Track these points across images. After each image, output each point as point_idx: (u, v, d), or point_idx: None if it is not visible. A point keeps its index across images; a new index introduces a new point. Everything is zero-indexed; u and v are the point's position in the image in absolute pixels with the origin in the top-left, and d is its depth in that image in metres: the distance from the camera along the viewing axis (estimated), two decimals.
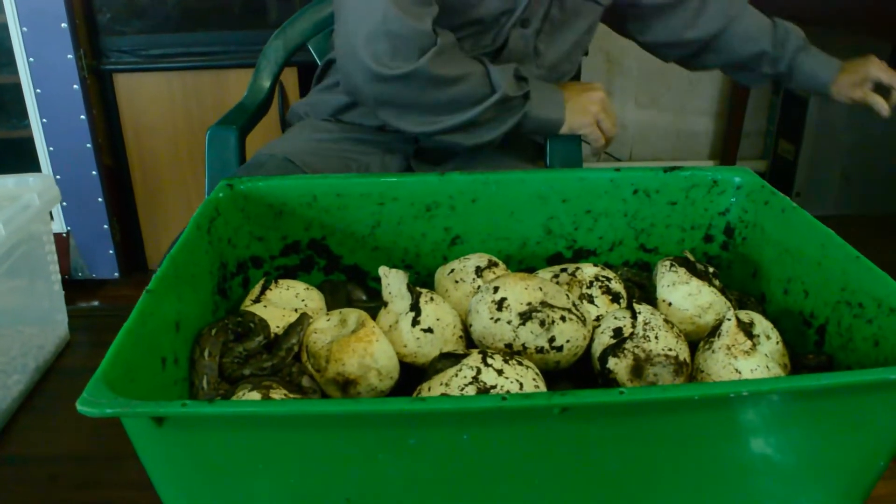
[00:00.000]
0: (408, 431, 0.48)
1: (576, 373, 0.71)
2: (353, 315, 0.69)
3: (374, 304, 0.78)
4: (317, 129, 1.32)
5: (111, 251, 2.40)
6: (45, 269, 0.83)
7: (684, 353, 0.67)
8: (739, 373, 0.64)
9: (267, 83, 1.58)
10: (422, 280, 0.86)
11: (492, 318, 0.67)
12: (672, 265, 0.76)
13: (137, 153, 2.41)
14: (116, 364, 0.52)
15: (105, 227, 2.36)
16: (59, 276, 0.86)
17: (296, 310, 0.75)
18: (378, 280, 0.84)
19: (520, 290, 0.68)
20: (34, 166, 2.25)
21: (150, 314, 0.59)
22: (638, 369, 0.66)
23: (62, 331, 0.88)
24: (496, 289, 0.68)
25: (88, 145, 2.25)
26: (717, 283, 0.77)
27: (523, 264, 0.86)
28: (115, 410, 0.46)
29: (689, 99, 3.06)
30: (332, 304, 0.80)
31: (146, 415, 0.47)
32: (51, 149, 2.24)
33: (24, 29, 2.12)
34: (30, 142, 2.25)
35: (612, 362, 0.67)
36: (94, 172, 2.29)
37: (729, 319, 0.67)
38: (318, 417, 0.47)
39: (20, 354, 0.79)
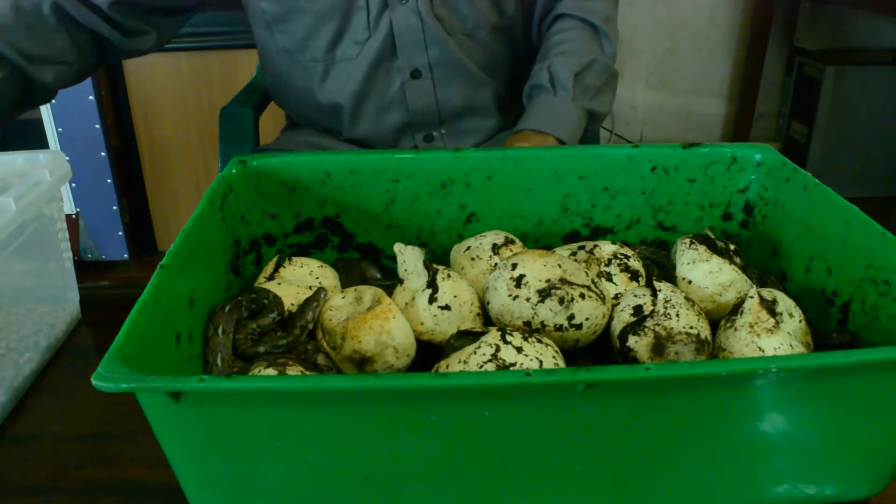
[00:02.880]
0: (429, 408, 0.47)
1: (595, 351, 0.70)
2: (369, 292, 0.68)
3: (389, 282, 0.77)
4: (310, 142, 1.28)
5: (120, 232, 2.40)
6: (56, 247, 0.82)
7: (706, 332, 0.66)
8: (762, 351, 0.63)
9: None
10: (437, 258, 0.85)
11: (510, 296, 0.66)
12: (692, 243, 0.75)
13: (146, 134, 2.40)
14: (131, 339, 0.51)
15: (114, 208, 2.36)
16: (70, 255, 0.85)
17: (310, 287, 0.74)
18: (392, 258, 0.84)
19: (538, 268, 0.66)
20: (43, 147, 2.24)
21: (164, 290, 0.58)
22: (659, 347, 0.65)
23: (74, 309, 0.87)
24: (514, 266, 0.67)
25: (97, 126, 2.25)
26: (738, 260, 0.76)
27: (539, 242, 0.85)
28: (130, 385, 0.45)
29: (700, 80, 3.03)
30: (346, 282, 0.79)
31: (163, 390, 0.46)
32: (59, 130, 2.23)
33: None
34: (38, 123, 2.24)
35: (632, 340, 0.66)
36: (102, 153, 2.28)
37: (752, 297, 0.66)
38: (338, 393, 0.46)
39: (32, 333, 0.78)
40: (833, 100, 2.73)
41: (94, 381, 0.46)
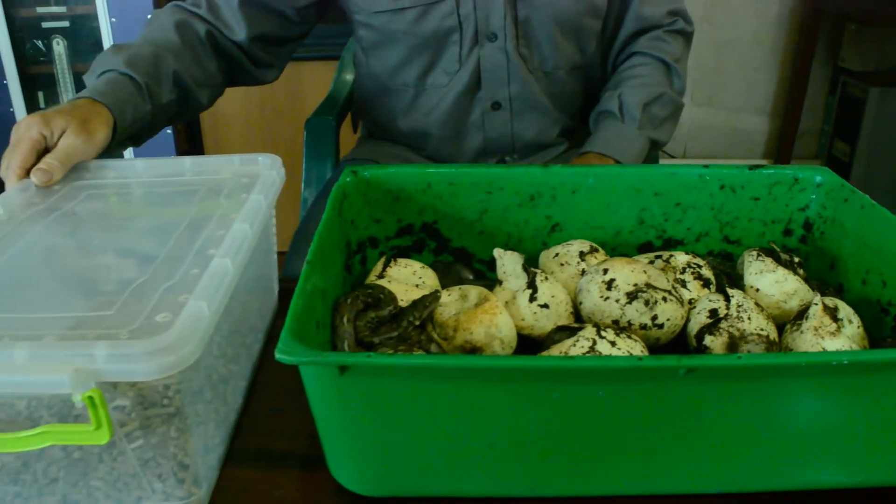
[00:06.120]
0: (553, 386, 0.56)
1: (671, 349, 0.78)
2: (474, 291, 0.78)
3: (480, 282, 0.87)
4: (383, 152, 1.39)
5: None
6: (271, 241, 0.91)
7: (774, 334, 0.75)
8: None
9: (350, 76, 1.66)
10: None
11: (601, 297, 0.75)
12: (759, 255, 0.84)
13: (213, 140, 2.53)
14: (294, 322, 0.60)
15: None
16: (276, 248, 0.93)
17: (416, 286, 0.84)
18: (483, 262, 0.93)
19: (627, 273, 0.75)
20: None
21: (308, 282, 0.68)
22: (733, 346, 0.73)
23: (275, 299, 0.96)
24: (606, 270, 0.76)
25: (168, 131, 2.37)
26: (800, 272, 0.84)
27: (616, 251, 0.94)
28: (309, 359, 0.55)
29: (745, 98, 3.10)
30: (444, 282, 0.88)
31: (335, 364, 0.56)
32: None
33: (113, 20, 2.24)
34: None
35: (708, 339, 0.74)
36: (172, 155, 2.41)
37: (816, 304, 0.74)
38: (482, 370, 0.56)
39: (261, 319, 0.87)
40: (876, 120, 2.78)
41: (277, 356, 0.55)
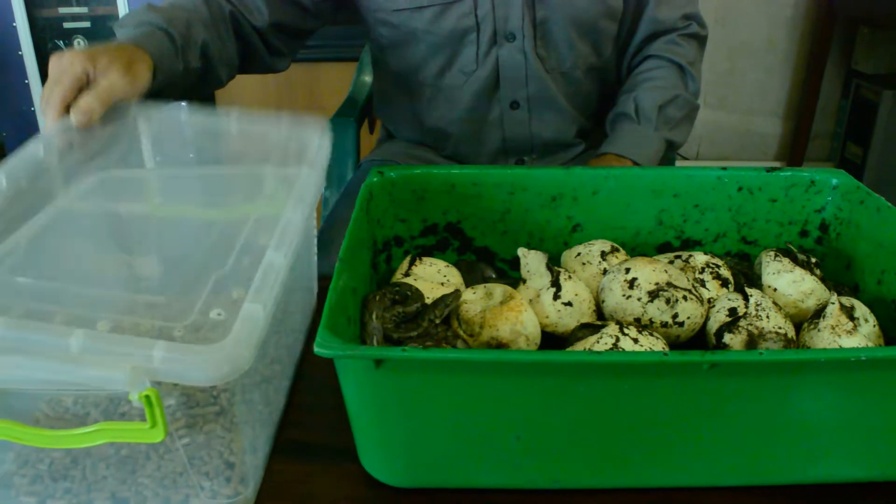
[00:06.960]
0: (579, 380, 0.58)
1: (691, 347, 0.80)
2: (499, 289, 0.80)
3: (503, 281, 0.89)
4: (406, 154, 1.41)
5: None
6: (312, 241, 0.92)
7: (791, 332, 0.77)
8: None
9: (369, 78, 1.68)
10: None
11: (624, 295, 0.77)
12: (777, 255, 0.86)
13: None
14: (329, 317, 0.62)
15: None
16: (316, 248, 0.94)
17: (441, 284, 0.86)
18: (505, 261, 0.95)
19: (649, 272, 0.78)
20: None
21: (340, 279, 0.70)
22: (752, 344, 0.75)
23: (315, 298, 0.97)
24: (628, 270, 0.78)
25: None
26: (817, 272, 0.86)
27: (636, 252, 0.96)
28: (346, 353, 0.57)
29: (758, 100, 3.11)
30: (468, 280, 0.90)
31: (371, 357, 0.58)
32: None
33: None
34: None
35: (727, 337, 0.76)
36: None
37: (833, 303, 0.76)
38: (511, 365, 0.58)
39: (303, 318, 0.89)
40: (889, 123, 2.79)
41: (316, 349, 0.58)
